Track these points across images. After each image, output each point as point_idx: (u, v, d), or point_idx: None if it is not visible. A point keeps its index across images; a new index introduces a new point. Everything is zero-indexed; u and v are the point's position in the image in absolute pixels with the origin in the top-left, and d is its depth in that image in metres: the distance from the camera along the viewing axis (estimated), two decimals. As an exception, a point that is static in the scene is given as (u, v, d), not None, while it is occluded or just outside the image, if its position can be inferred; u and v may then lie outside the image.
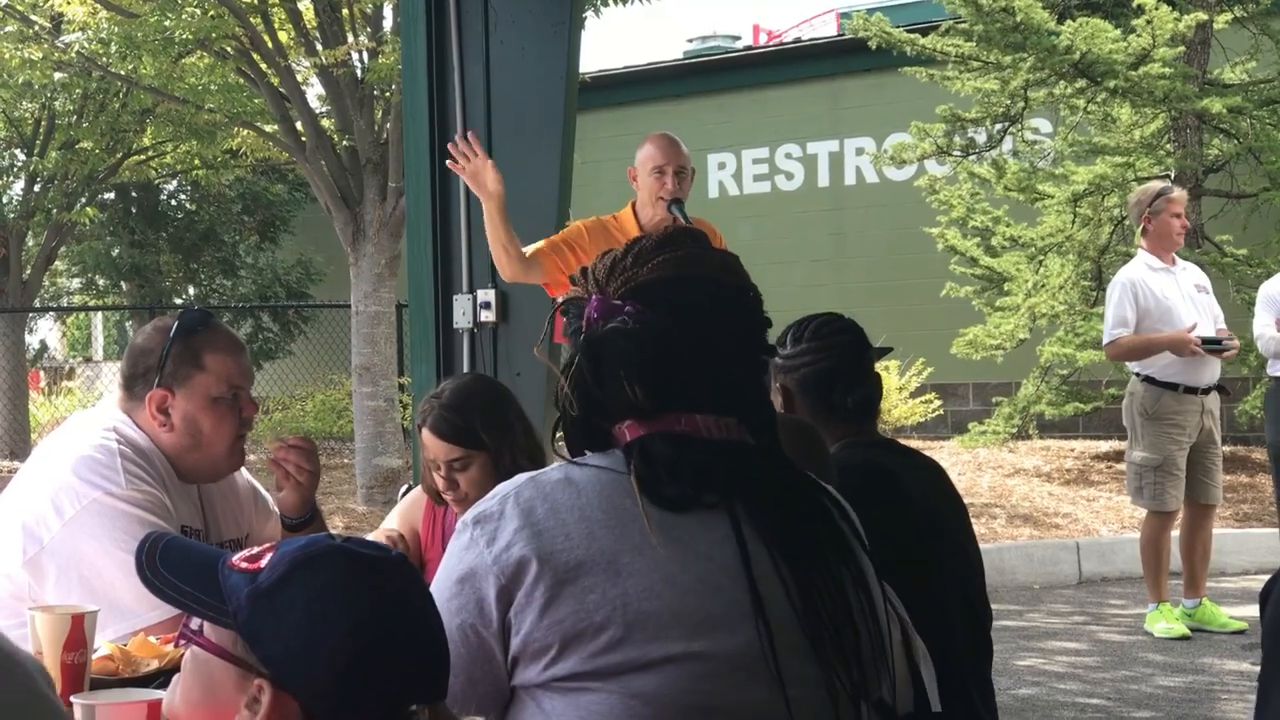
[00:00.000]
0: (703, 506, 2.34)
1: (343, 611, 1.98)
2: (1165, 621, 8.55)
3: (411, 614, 2.04)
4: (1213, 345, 8.48)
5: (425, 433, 4.03)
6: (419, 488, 4.35)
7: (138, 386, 3.53)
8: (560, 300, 2.53)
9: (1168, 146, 13.66)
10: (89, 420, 3.57)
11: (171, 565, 2.12)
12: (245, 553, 2.09)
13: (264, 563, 2.04)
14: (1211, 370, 8.58)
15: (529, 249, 6.20)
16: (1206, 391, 8.58)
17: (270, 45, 14.93)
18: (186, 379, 3.49)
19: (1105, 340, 8.79)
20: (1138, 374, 8.71)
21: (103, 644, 2.94)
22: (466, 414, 4.00)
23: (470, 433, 3.98)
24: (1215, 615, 8.64)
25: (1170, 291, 8.60)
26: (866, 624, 2.41)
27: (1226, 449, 14.00)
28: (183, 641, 2.11)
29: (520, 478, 2.43)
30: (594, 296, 2.44)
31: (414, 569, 2.13)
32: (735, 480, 2.38)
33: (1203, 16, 13.16)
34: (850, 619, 2.38)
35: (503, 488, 2.41)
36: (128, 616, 3.23)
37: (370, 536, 3.14)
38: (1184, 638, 8.45)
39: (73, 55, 16.02)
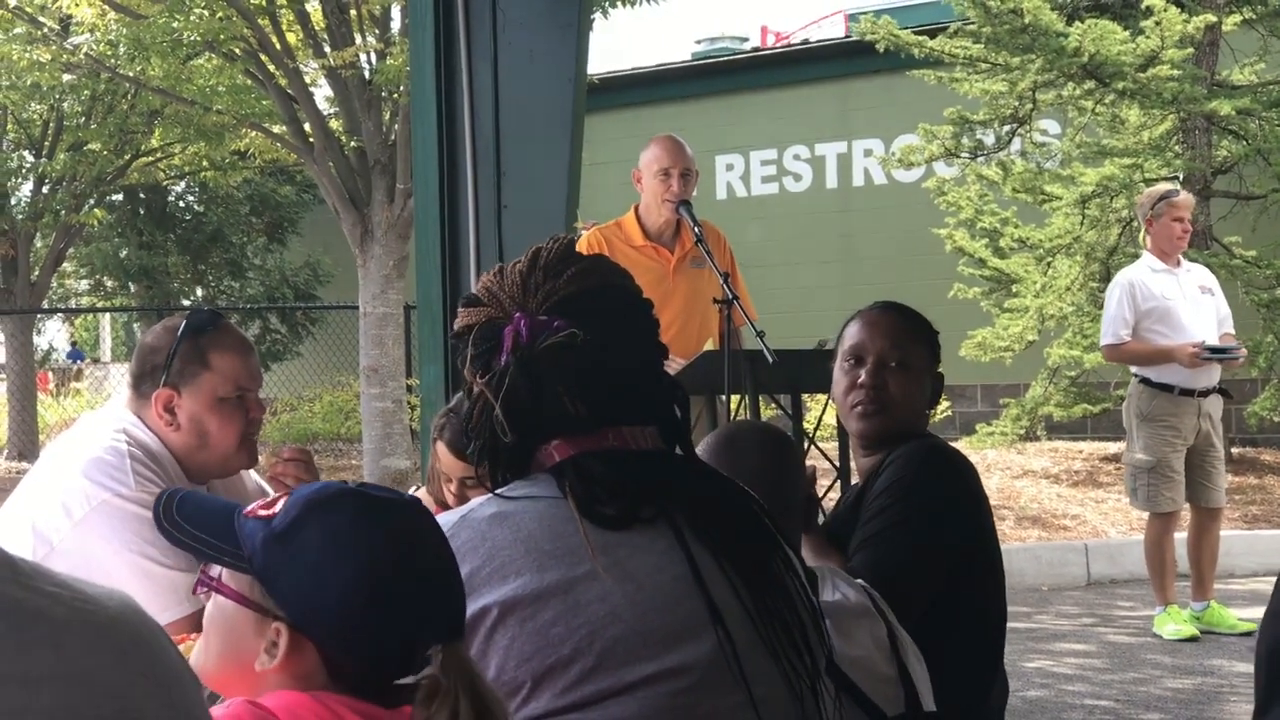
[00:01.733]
0: (641, 521, 2.32)
1: (356, 550, 1.99)
2: (1174, 623, 8.54)
3: (425, 552, 2.05)
4: (1219, 353, 8.48)
5: (440, 445, 4.02)
6: (425, 490, 4.34)
7: (145, 385, 3.53)
8: (472, 330, 2.47)
9: (1176, 148, 13.64)
10: (98, 421, 3.57)
11: (188, 515, 2.13)
12: (260, 501, 2.11)
13: (278, 508, 2.06)
14: (1210, 373, 8.57)
15: None
16: (1205, 394, 8.57)
17: (278, 47, 14.95)
18: (193, 378, 3.49)
19: (1103, 341, 8.79)
20: (1136, 376, 8.73)
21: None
22: None
23: None
24: (1224, 617, 8.64)
25: (1171, 292, 8.60)
26: (805, 607, 2.42)
27: (1235, 450, 14.03)
28: (203, 591, 2.12)
29: (449, 518, 2.38)
30: (520, 316, 2.40)
31: (427, 511, 2.12)
32: (669, 491, 2.37)
33: (1211, 18, 13.15)
34: (794, 606, 2.39)
35: None
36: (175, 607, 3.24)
37: None
38: (1192, 639, 8.44)
39: (81, 57, 16.04)
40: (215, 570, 2.11)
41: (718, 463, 3.08)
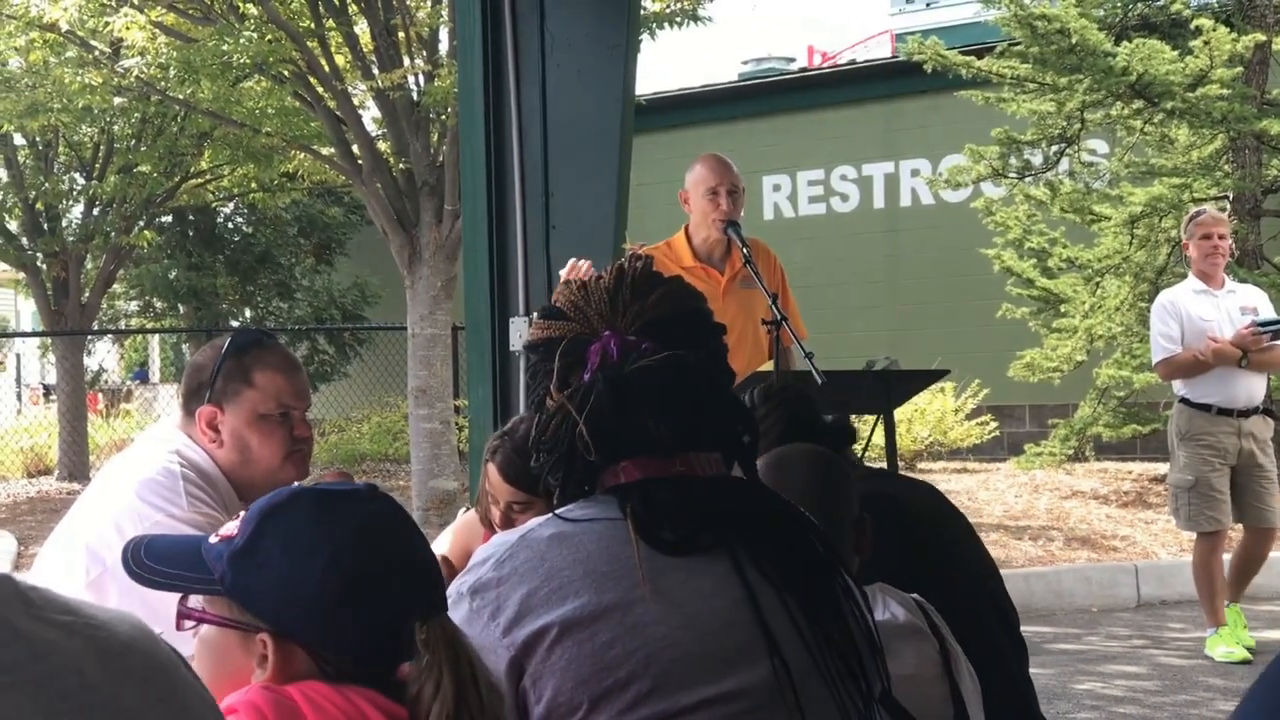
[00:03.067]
0: (700, 549, 2.32)
1: (317, 547, 2.02)
2: (1225, 645, 8.49)
3: (388, 535, 2.07)
4: (1270, 325, 8.46)
5: (492, 467, 4.03)
6: (473, 511, 4.35)
7: (192, 404, 3.55)
8: (556, 344, 2.44)
9: (1226, 167, 13.58)
10: (152, 441, 3.59)
11: (155, 555, 2.19)
12: (223, 529, 2.13)
13: (236, 526, 2.09)
14: (1250, 391, 8.54)
15: None
16: (1245, 414, 8.54)
17: (327, 69, 15.02)
18: (235, 395, 3.51)
19: (1155, 360, 8.80)
20: (1177, 396, 8.74)
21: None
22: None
23: (536, 479, 3.97)
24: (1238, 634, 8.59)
25: (1209, 314, 8.59)
26: (862, 634, 2.41)
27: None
28: (190, 627, 2.16)
29: (508, 538, 2.38)
30: (610, 334, 2.40)
31: (387, 498, 2.13)
32: (731, 519, 2.37)
33: (1261, 37, 13.10)
34: (849, 634, 2.38)
35: (493, 550, 2.37)
36: (190, 638, 3.24)
37: None
38: (1245, 661, 8.38)
39: (131, 80, 16.14)
40: (193, 601, 2.14)
41: (769, 483, 3.09)
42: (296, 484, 2.15)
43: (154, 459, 3.48)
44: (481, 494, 4.17)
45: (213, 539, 2.11)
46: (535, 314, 2.54)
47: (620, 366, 2.37)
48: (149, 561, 2.18)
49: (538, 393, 2.47)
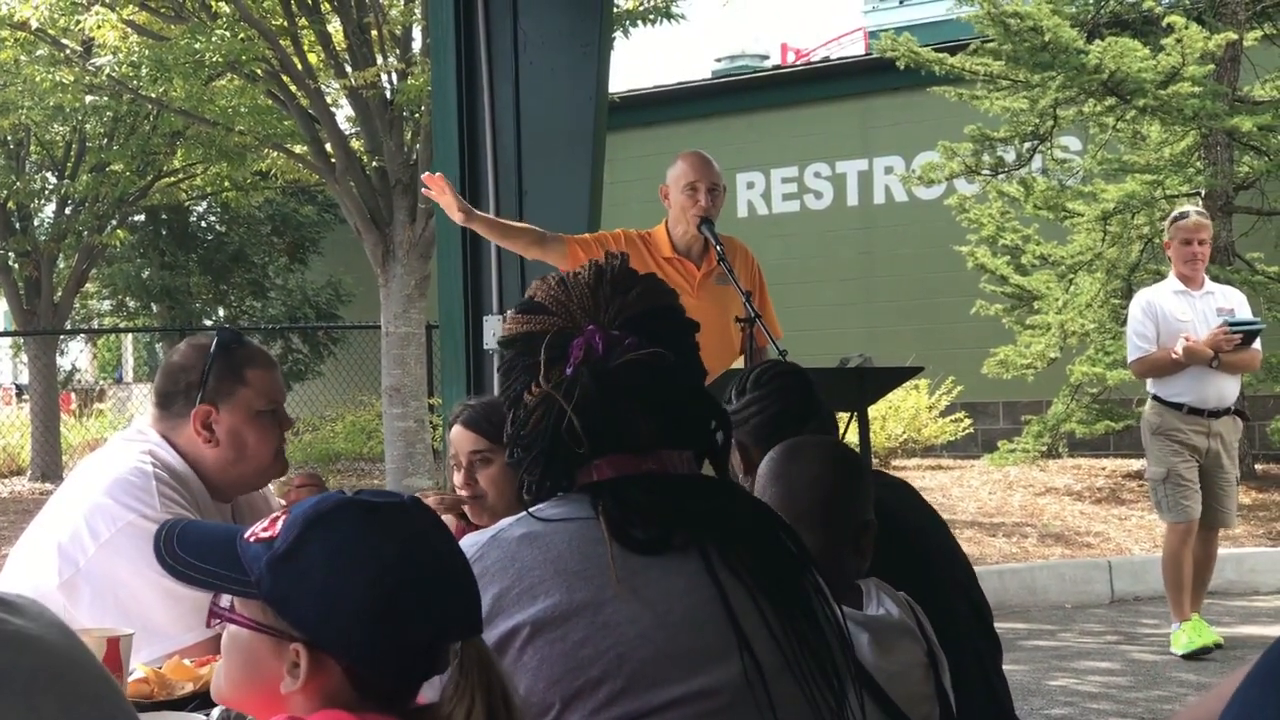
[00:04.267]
0: (672, 548, 2.31)
1: (362, 562, 1.97)
2: (1186, 635, 8.52)
3: (432, 553, 2.02)
4: (1242, 326, 8.48)
5: (455, 429, 4.03)
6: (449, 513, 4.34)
7: (177, 404, 3.54)
8: (538, 337, 2.41)
9: (1198, 164, 13.62)
10: (123, 442, 3.58)
11: (189, 547, 2.11)
12: (259, 523, 2.08)
13: (278, 528, 2.03)
14: (1221, 391, 8.56)
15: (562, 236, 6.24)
16: (1215, 415, 8.56)
17: (300, 67, 15.01)
18: (229, 394, 3.52)
19: (1129, 358, 8.82)
20: (1150, 394, 8.77)
21: (138, 667, 2.95)
22: (498, 411, 4.00)
23: (499, 426, 3.95)
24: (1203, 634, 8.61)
25: (1185, 314, 8.60)
26: (834, 632, 2.41)
27: (1259, 467, 14.00)
28: (216, 621, 2.10)
29: (478, 538, 2.37)
30: (593, 328, 2.39)
31: (429, 510, 2.09)
32: (703, 518, 2.36)
33: (1232, 35, 13.14)
34: (821, 632, 2.38)
35: (464, 550, 2.35)
36: (163, 639, 3.23)
37: None
38: (1214, 647, 8.41)
39: (104, 78, 16.09)
40: (225, 599, 2.09)
41: (778, 471, 3.09)
42: (340, 492, 2.09)
43: (126, 460, 3.47)
44: (449, 482, 4.17)
45: (249, 536, 2.05)
46: (511, 310, 2.52)
47: (605, 360, 2.36)
48: (182, 553, 2.11)
49: (515, 388, 2.44)
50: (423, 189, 6.27)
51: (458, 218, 6.14)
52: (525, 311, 2.48)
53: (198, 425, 3.51)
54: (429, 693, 2.03)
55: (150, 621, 3.22)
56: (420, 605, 1.98)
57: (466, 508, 4.01)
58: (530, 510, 2.38)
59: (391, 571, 1.97)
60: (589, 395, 2.34)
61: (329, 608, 1.97)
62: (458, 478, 4.03)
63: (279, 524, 2.04)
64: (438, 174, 6.20)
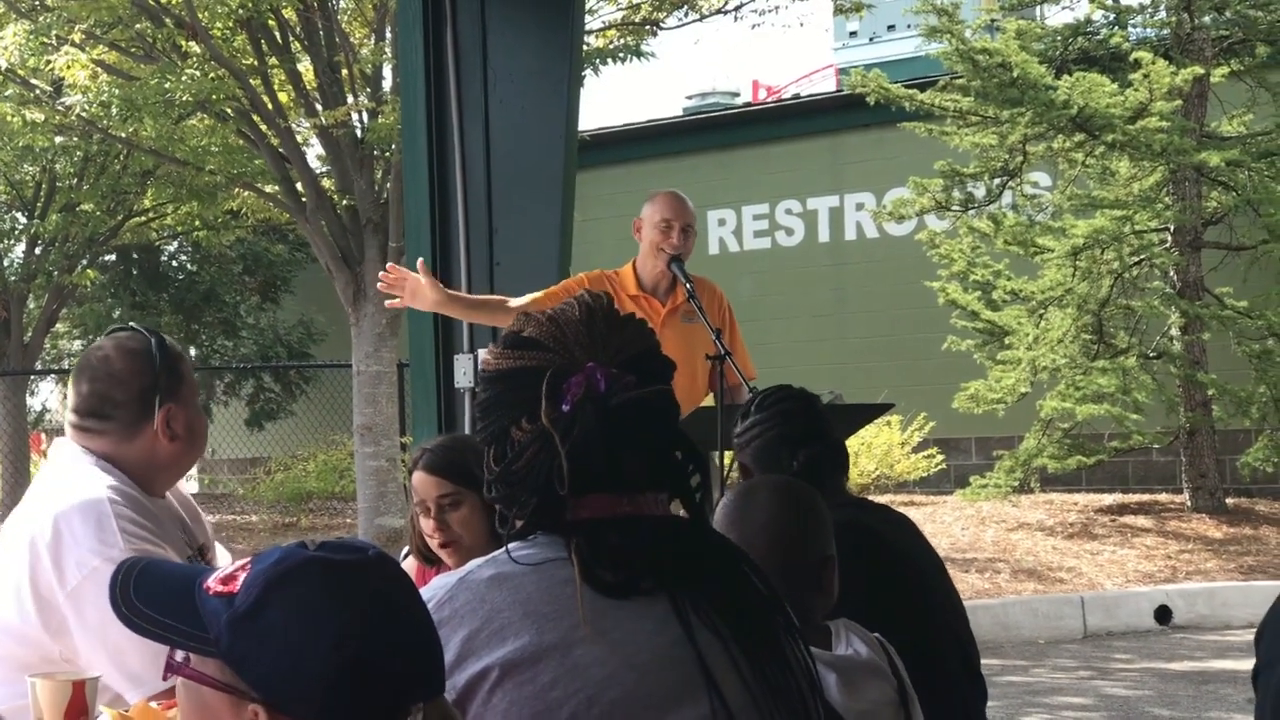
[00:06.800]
0: (641, 592, 2.29)
1: (325, 624, 1.93)
2: None
3: (396, 614, 1.98)
4: None
5: (416, 474, 3.99)
6: (410, 556, 4.29)
7: (128, 413, 3.47)
8: (535, 374, 2.36)
9: (1166, 199, 13.69)
10: (69, 476, 3.49)
11: (146, 597, 2.05)
12: (219, 574, 2.02)
13: (239, 583, 1.97)
14: None
15: (527, 298, 6.18)
16: None
17: (270, 106, 15.00)
18: (178, 389, 3.52)
19: None
20: None
21: (104, 711, 2.92)
22: (458, 453, 3.97)
23: (462, 468, 3.90)
24: None
25: None
26: (803, 674, 2.39)
27: (1230, 501, 14.02)
28: (172, 676, 2.06)
29: (447, 580, 2.35)
30: (593, 366, 2.35)
31: (395, 566, 2.05)
32: (674, 562, 2.34)
33: (1200, 70, 13.22)
34: (790, 673, 2.36)
35: (432, 592, 2.32)
36: (137, 683, 3.20)
37: None
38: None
39: (74, 118, 16.06)
40: (181, 654, 2.04)
41: (733, 517, 3.08)
42: (299, 546, 2.04)
43: (80, 496, 3.39)
44: (411, 527, 4.13)
45: (208, 587, 1.99)
46: (499, 344, 2.46)
47: (607, 399, 2.33)
48: (138, 603, 2.04)
49: (499, 424, 2.39)
50: (379, 285, 6.24)
51: (427, 303, 6.12)
52: (515, 347, 2.42)
53: (163, 427, 3.48)
54: None
55: (124, 665, 3.19)
56: (383, 669, 1.94)
57: (444, 553, 3.97)
58: (507, 548, 2.36)
59: (353, 636, 1.93)
60: (590, 432, 2.31)
61: (290, 670, 1.92)
62: (427, 524, 3.99)
63: (239, 581, 1.99)
64: (389, 264, 6.18)
